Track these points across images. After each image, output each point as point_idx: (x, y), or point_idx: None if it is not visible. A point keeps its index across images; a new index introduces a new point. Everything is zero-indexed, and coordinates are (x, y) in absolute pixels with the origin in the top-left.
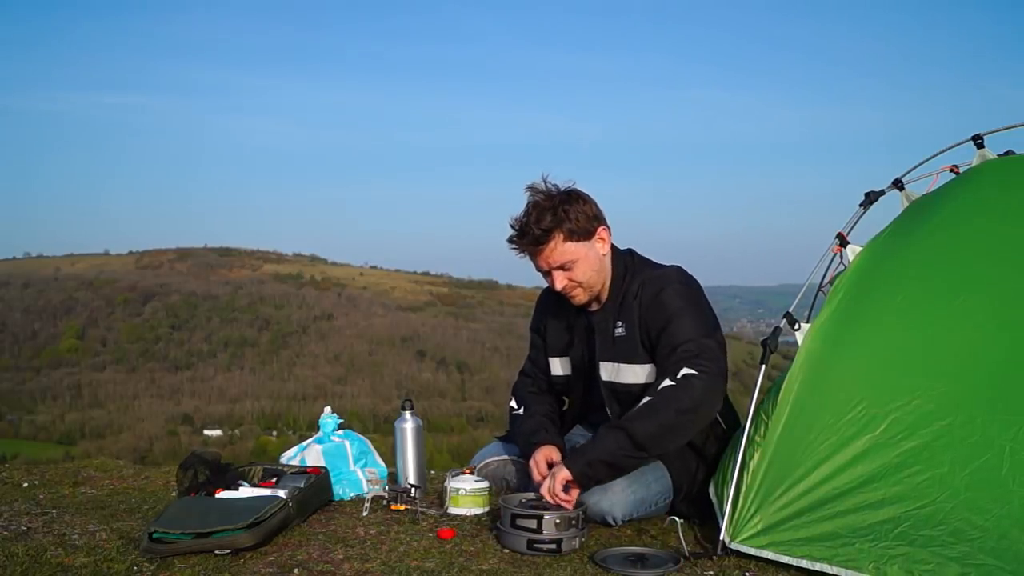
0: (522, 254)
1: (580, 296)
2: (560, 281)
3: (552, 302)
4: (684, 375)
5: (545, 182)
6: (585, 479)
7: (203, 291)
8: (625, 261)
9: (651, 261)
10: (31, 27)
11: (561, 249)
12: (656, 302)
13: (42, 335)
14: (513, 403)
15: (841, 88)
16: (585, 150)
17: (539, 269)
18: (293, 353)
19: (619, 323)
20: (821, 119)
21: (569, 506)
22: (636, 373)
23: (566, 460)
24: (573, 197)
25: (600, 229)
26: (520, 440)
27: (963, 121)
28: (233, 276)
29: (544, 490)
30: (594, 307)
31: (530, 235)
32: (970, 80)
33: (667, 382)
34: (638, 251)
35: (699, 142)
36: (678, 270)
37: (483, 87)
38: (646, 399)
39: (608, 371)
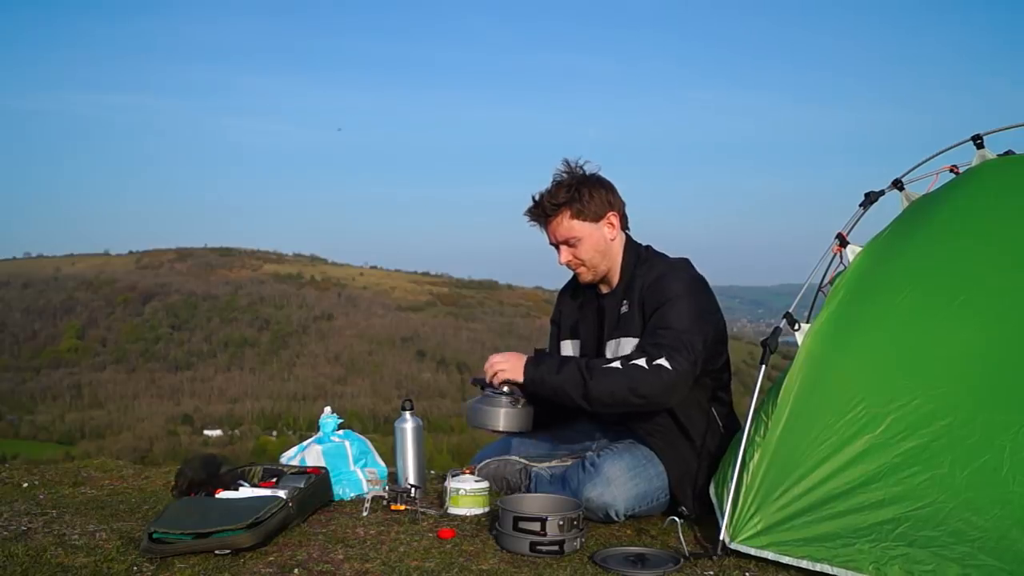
0: (534, 224)
1: (584, 274)
2: (564, 255)
3: (569, 290)
4: (657, 365)
5: (571, 163)
6: (530, 387)
7: (203, 291)
8: (639, 251)
9: (665, 254)
10: (32, 27)
11: (568, 225)
12: (657, 283)
13: (42, 335)
14: None
15: (841, 88)
16: (585, 150)
17: (549, 242)
18: (293, 353)
19: (624, 302)
20: (821, 119)
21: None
22: (632, 346)
23: (528, 362)
24: (592, 180)
25: (610, 214)
26: None
27: (963, 121)
28: (233, 276)
29: (489, 366)
30: (604, 290)
31: (541, 207)
32: (970, 80)
33: (640, 362)
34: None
35: (699, 142)
36: (686, 261)
37: (483, 87)
38: (616, 363)
39: (611, 349)
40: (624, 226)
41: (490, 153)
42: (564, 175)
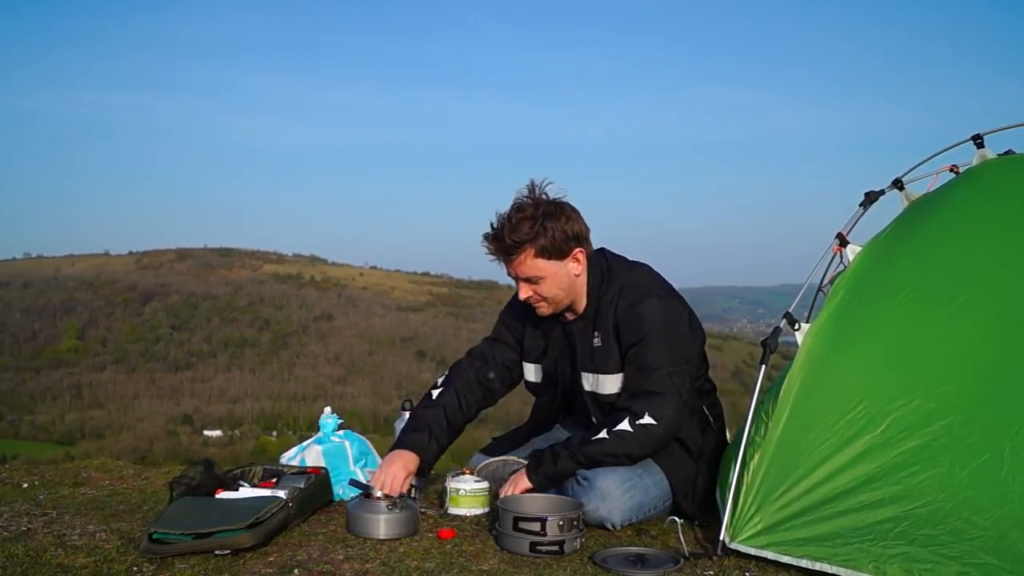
0: (493, 259)
1: (544, 309)
2: (524, 291)
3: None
4: (642, 424)
5: (535, 188)
6: (542, 489)
7: (203, 291)
8: (600, 266)
9: (624, 260)
10: (32, 27)
11: (531, 263)
12: (633, 314)
13: (42, 335)
14: (439, 380)
15: (841, 88)
16: (586, 149)
17: (508, 274)
18: (293, 353)
19: (596, 333)
20: (821, 119)
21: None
22: (615, 382)
23: (529, 473)
24: (557, 212)
25: (576, 251)
26: (407, 426)
27: (965, 120)
28: (233, 276)
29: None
30: (570, 316)
31: (502, 243)
32: (972, 79)
33: (624, 426)
34: (610, 248)
35: (699, 141)
36: (649, 272)
37: (485, 86)
38: (603, 432)
39: (589, 382)
40: (590, 254)
41: (491, 152)
42: (527, 201)
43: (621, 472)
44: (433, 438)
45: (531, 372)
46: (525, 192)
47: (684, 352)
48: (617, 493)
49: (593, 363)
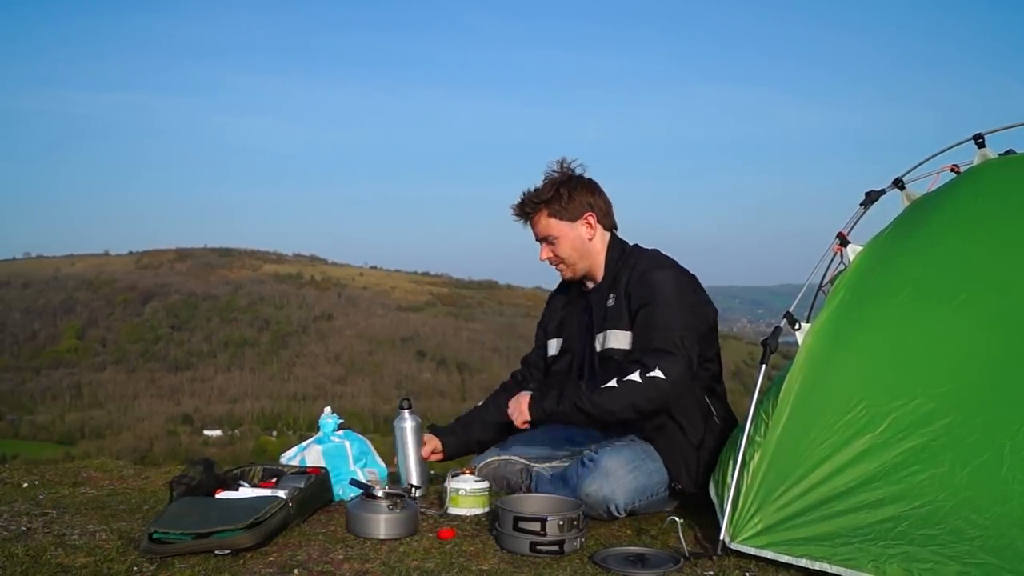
0: (518, 220)
1: (564, 271)
2: (544, 252)
3: (556, 293)
4: (652, 377)
5: (564, 161)
6: (540, 422)
7: (203, 291)
8: (623, 247)
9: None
10: (30, 27)
11: (545, 223)
12: (645, 280)
13: (42, 335)
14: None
15: (841, 88)
16: (586, 148)
17: (535, 239)
18: (293, 353)
19: (611, 295)
20: (822, 118)
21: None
22: (619, 339)
23: (532, 401)
24: (574, 181)
25: (588, 215)
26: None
27: (967, 120)
28: (233, 276)
29: (512, 414)
30: (590, 286)
31: (521, 203)
32: (973, 78)
33: (635, 376)
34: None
35: (699, 141)
36: (670, 258)
37: (484, 85)
38: (612, 382)
39: (600, 341)
40: (609, 226)
41: (491, 152)
42: (554, 173)
43: (626, 453)
44: (455, 432)
45: (552, 347)
46: (555, 165)
47: (694, 321)
48: (621, 473)
49: (606, 321)
